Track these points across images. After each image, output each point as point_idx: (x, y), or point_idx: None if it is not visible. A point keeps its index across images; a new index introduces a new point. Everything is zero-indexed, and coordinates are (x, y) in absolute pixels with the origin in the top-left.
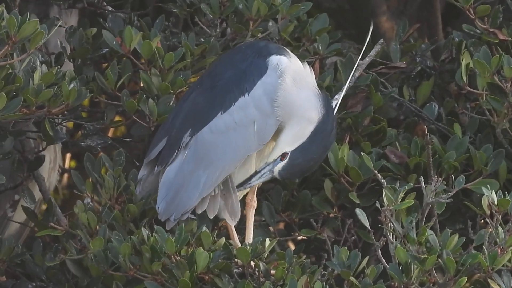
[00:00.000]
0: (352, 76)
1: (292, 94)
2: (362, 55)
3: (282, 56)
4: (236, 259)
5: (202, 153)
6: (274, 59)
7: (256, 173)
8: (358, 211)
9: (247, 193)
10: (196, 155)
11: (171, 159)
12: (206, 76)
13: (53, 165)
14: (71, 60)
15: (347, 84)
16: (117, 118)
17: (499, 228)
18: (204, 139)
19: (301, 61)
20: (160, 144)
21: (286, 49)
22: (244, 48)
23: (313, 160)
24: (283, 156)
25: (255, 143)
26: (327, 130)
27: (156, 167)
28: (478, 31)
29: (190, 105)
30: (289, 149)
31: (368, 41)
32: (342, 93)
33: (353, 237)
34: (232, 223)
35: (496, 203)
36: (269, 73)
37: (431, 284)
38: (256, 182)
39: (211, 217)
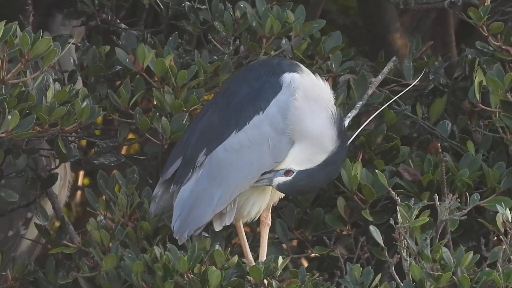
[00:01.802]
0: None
1: (304, 111)
2: None
3: (295, 73)
4: (249, 277)
5: (216, 171)
6: (287, 76)
7: None
8: (372, 228)
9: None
10: (210, 173)
11: (186, 179)
12: (220, 95)
13: (63, 182)
14: (85, 78)
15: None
16: (130, 136)
17: None
18: (218, 158)
19: (316, 76)
20: (176, 164)
21: (299, 64)
22: (257, 67)
23: (314, 186)
24: (287, 172)
25: (269, 161)
26: (338, 163)
27: (172, 186)
28: (491, 48)
29: (205, 124)
30: (295, 167)
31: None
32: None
33: (366, 255)
34: (217, 228)
35: (510, 220)
36: (283, 91)
37: None
38: (253, 185)
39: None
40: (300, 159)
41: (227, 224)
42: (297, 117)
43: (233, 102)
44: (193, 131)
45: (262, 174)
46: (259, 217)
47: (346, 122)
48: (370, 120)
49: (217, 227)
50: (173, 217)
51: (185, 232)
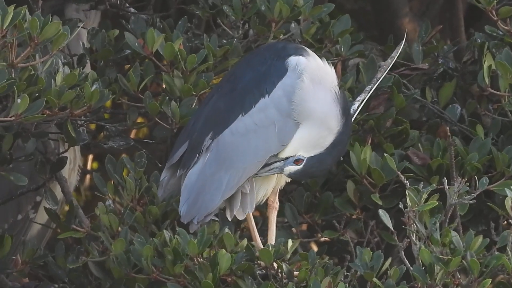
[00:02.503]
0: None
1: (309, 93)
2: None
3: (301, 57)
4: (259, 261)
5: (224, 155)
6: (292, 60)
7: (265, 165)
8: (381, 212)
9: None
10: (217, 158)
11: (193, 163)
12: (226, 80)
13: (73, 165)
14: (94, 62)
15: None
16: (139, 120)
17: None
18: (225, 142)
19: (321, 59)
20: (182, 148)
21: (305, 48)
22: (262, 51)
23: (325, 170)
24: (298, 161)
25: (276, 144)
26: (345, 142)
27: (178, 170)
28: (500, 32)
29: (211, 109)
30: (305, 154)
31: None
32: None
33: (376, 239)
34: (240, 216)
35: None
36: (289, 74)
37: (455, 286)
38: (263, 174)
39: (229, 217)
40: (308, 144)
41: (249, 212)
42: (302, 99)
43: (238, 87)
44: (199, 116)
45: (272, 163)
46: (267, 201)
47: (356, 105)
48: (375, 89)
49: (240, 216)
50: (181, 201)
51: (194, 217)
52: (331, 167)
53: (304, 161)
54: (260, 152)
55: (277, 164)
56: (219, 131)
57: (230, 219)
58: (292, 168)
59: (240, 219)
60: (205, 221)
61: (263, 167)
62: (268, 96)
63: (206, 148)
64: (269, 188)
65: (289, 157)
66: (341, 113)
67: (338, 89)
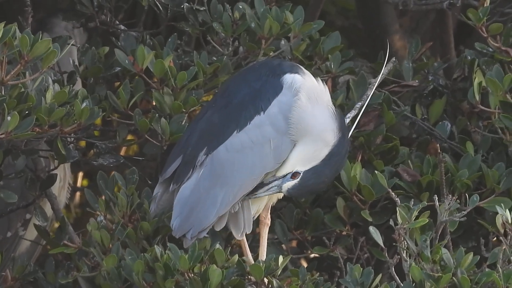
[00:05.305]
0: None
1: (307, 111)
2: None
3: (296, 74)
4: (249, 276)
5: (219, 171)
6: (288, 77)
7: (263, 185)
8: (371, 229)
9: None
10: (212, 173)
11: (186, 177)
12: (220, 95)
13: (63, 183)
14: (84, 79)
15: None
16: (129, 137)
17: None
18: (220, 158)
19: (315, 78)
20: (175, 163)
21: (300, 66)
22: (258, 67)
23: (323, 182)
24: (294, 175)
25: (271, 162)
26: (342, 154)
27: (171, 185)
28: (490, 49)
29: (205, 123)
30: (301, 168)
31: (381, 60)
32: (355, 112)
33: (366, 255)
34: (237, 236)
35: (510, 221)
36: (284, 92)
37: None
38: (263, 194)
39: (237, 236)
40: (304, 158)
41: (247, 232)
42: (300, 117)
43: (233, 102)
44: (193, 131)
45: (270, 182)
46: (258, 217)
47: (346, 122)
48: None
49: (237, 235)
50: (173, 215)
51: (186, 232)
52: (329, 180)
53: (301, 174)
54: (256, 170)
55: (276, 182)
56: (213, 146)
57: (237, 237)
58: (289, 184)
59: (237, 238)
60: (199, 236)
61: (262, 186)
62: (264, 113)
63: (200, 163)
64: (261, 204)
65: (287, 174)
66: (338, 128)
67: (334, 107)
